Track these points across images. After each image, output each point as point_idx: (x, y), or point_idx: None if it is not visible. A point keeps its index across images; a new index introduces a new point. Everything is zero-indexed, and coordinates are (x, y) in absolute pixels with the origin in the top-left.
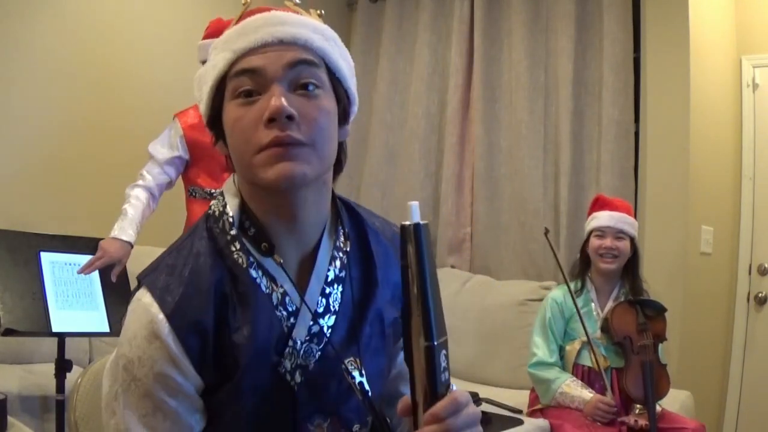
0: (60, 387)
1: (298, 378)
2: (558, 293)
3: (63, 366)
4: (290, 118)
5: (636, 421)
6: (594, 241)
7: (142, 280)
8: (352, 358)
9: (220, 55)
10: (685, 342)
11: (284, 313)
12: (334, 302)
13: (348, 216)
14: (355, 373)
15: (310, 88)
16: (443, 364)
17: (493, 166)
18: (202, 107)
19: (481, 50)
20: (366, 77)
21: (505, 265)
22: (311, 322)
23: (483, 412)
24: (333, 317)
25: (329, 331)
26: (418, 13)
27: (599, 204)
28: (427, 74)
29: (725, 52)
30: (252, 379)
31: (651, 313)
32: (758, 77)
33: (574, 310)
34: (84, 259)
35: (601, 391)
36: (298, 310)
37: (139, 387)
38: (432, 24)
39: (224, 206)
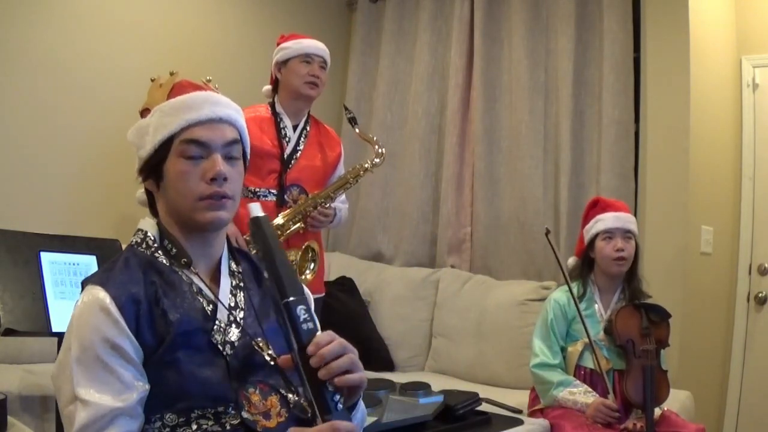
0: None
1: (228, 350)
2: (560, 294)
3: None
4: (225, 179)
5: (635, 424)
6: (603, 245)
7: (87, 283)
8: (260, 339)
9: (169, 118)
10: (685, 342)
11: (204, 300)
12: (240, 301)
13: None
14: (264, 348)
15: (235, 156)
16: (303, 316)
17: (493, 166)
18: (144, 152)
19: (481, 50)
20: (366, 77)
21: (505, 265)
22: (227, 313)
23: (483, 412)
24: (242, 312)
25: (242, 320)
26: (418, 13)
27: (601, 206)
28: (427, 74)
29: (725, 52)
30: (185, 341)
31: (655, 318)
32: (758, 77)
33: (576, 311)
34: (84, 258)
35: (604, 393)
36: (215, 302)
37: (90, 353)
38: (432, 24)
39: (145, 233)
